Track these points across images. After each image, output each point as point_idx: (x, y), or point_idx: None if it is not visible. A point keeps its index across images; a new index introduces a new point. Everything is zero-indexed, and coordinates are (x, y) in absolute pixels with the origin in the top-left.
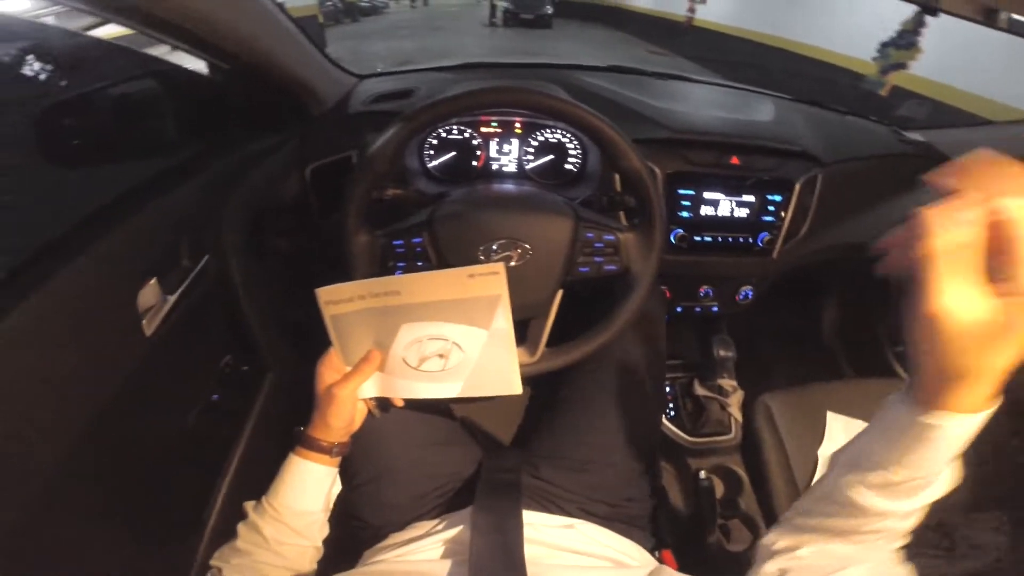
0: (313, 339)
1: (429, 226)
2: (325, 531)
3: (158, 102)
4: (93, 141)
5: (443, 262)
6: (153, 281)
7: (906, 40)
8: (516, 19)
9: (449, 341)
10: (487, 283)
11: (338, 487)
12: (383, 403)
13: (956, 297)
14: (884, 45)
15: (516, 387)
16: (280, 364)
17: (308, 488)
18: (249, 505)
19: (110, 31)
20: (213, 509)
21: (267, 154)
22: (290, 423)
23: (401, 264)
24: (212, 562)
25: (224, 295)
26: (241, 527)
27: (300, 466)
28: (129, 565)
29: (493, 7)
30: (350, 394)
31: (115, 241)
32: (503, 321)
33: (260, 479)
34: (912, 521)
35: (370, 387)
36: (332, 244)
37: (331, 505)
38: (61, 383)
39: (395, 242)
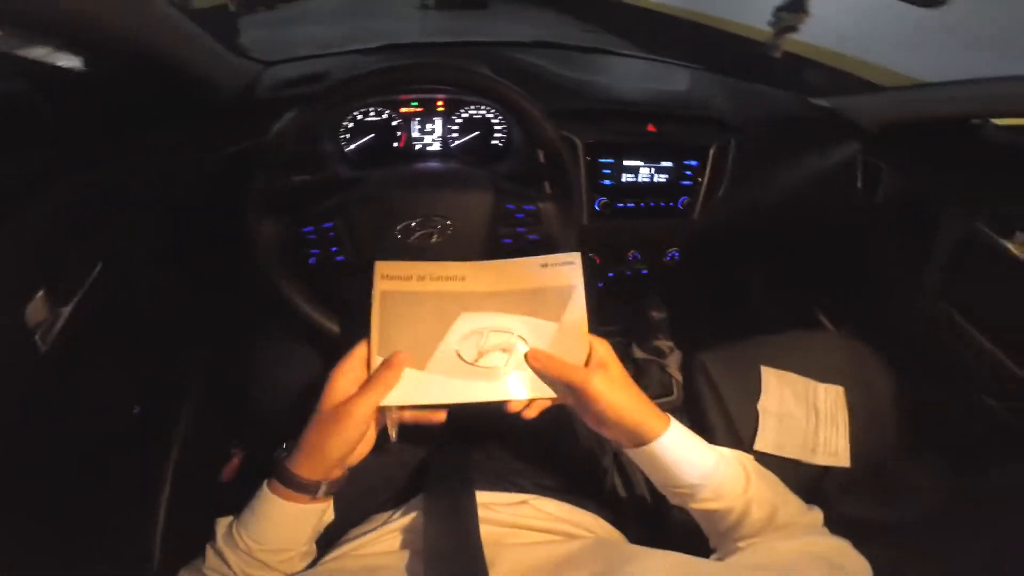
0: (237, 339)
1: (342, 209)
2: (307, 560)
3: (28, 104)
4: None
5: (358, 245)
6: (40, 294)
7: (795, 4)
8: (449, 0)
9: (514, 334)
10: (561, 273)
11: (330, 517)
12: (398, 423)
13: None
14: (778, 9)
15: None
16: (202, 370)
17: (286, 528)
18: (221, 525)
19: None
20: (157, 526)
21: (164, 151)
22: (222, 427)
23: (314, 251)
24: None
25: (127, 303)
26: (208, 549)
27: (275, 504)
28: None
29: None
30: (367, 411)
31: None
32: (577, 313)
33: (201, 490)
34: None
35: (403, 392)
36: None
37: (317, 535)
38: None
39: (304, 229)
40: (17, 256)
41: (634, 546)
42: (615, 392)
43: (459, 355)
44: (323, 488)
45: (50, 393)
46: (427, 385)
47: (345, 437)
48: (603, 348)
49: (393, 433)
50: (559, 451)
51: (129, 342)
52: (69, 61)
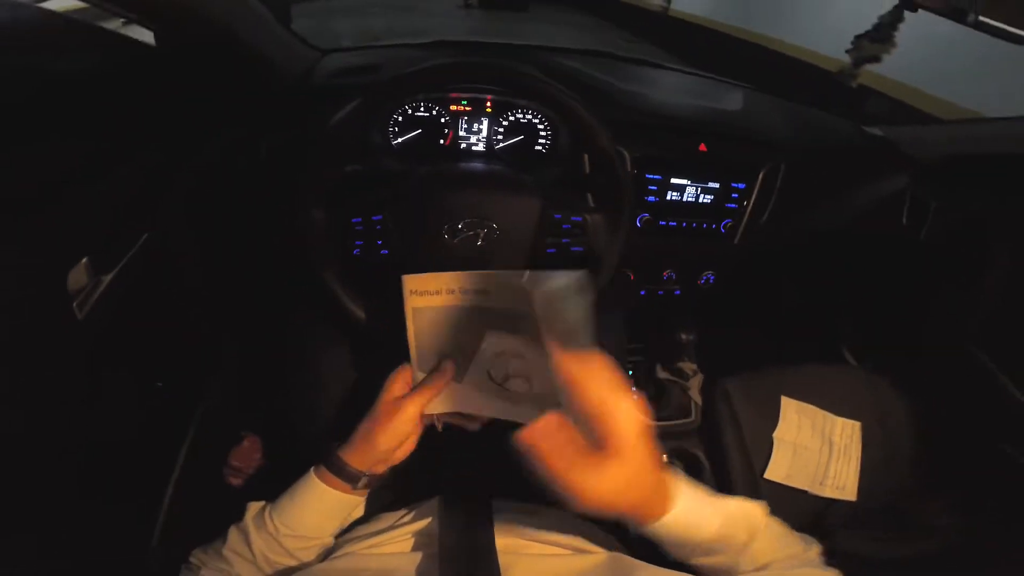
0: (271, 324)
1: (391, 203)
2: (322, 552)
3: (100, 77)
4: (22, 118)
5: (404, 240)
6: (84, 261)
7: (883, 34)
8: (491, 0)
9: (531, 361)
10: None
11: (359, 513)
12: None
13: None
14: (859, 38)
15: None
16: (233, 350)
17: (321, 515)
18: (253, 508)
19: (62, 3)
20: (163, 500)
21: (222, 131)
22: (240, 408)
23: (359, 243)
24: (192, 558)
25: (167, 273)
26: (232, 530)
27: (317, 489)
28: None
29: None
30: (417, 411)
31: (45, 220)
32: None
33: (209, 469)
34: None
35: (443, 401)
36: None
37: (341, 529)
38: None
39: (353, 219)
40: (66, 225)
41: (643, 563)
42: (619, 494)
43: (490, 375)
44: (364, 480)
45: (81, 359)
46: (462, 396)
47: (395, 432)
48: (629, 422)
49: (440, 426)
50: None
51: (164, 315)
52: (141, 34)
